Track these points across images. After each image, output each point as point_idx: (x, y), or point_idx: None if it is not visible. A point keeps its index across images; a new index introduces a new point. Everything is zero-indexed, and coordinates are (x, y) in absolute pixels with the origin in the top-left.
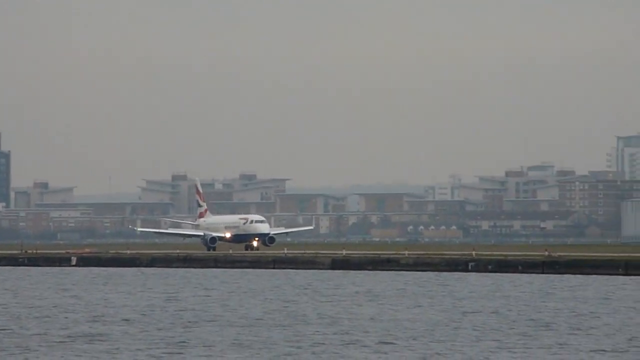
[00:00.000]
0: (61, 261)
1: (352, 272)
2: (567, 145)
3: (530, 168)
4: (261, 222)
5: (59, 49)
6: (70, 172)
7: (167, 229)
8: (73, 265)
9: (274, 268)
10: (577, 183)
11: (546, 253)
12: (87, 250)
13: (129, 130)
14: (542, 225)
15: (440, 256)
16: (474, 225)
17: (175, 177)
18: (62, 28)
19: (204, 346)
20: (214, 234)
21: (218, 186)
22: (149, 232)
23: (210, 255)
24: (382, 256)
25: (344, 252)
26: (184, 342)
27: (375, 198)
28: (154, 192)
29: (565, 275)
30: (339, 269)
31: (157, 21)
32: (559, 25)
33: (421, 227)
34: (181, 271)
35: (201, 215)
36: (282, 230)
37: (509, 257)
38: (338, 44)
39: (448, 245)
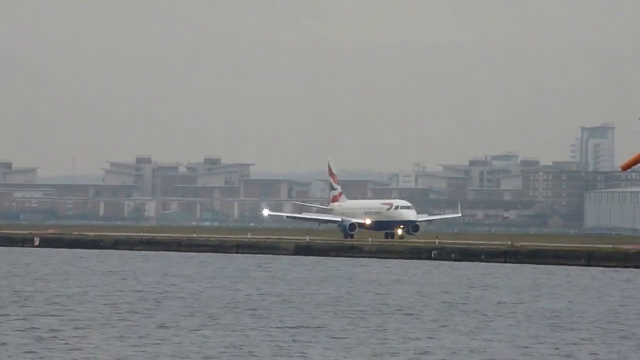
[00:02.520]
0: (24, 242)
1: (314, 258)
2: (532, 136)
3: (494, 158)
4: (407, 208)
5: (23, 28)
6: (34, 153)
7: (300, 213)
8: (36, 246)
9: (237, 253)
10: (540, 173)
11: (509, 242)
12: (50, 231)
13: (94, 112)
14: (505, 214)
15: (403, 244)
16: (437, 213)
17: (139, 160)
18: (29, 7)
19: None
20: (353, 220)
21: (182, 170)
22: (279, 216)
23: (173, 239)
24: (345, 243)
25: (308, 238)
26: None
27: (339, 185)
28: (117, 174)
29: (526, 265)
30: (303, 255)
31: (118, 2)
32: (523, 15)
33: None
34: (140, 254)
35: (334, 199)
36: (427, 217)
37: (472, 246)
38: (307, 29)
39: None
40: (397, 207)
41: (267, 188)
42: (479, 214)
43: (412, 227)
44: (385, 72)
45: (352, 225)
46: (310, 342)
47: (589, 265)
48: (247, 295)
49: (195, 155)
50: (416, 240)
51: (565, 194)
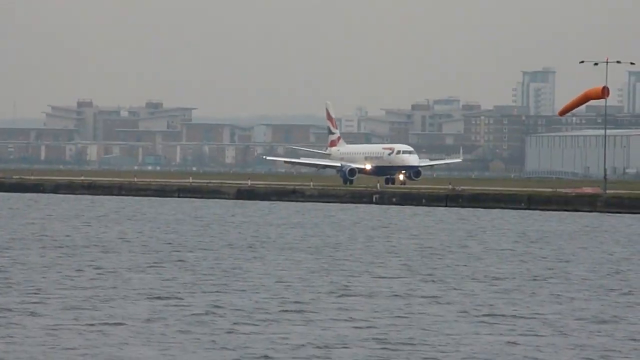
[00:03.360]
0: None
1: (253, 202)
2: (474, 80)
3: (436, 102)
4: (409, 152)
5: None
6: None
7: (298, 158)
8: None
9: (178, 197)
10: (482, 117)
11: (450, 187)
12: None
13: (34, 56)
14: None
15: (345, 188)
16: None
17: (80, 104)
18: None
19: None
20: (353, 165)
21: (124, 114)
22: (278, 160)
23: (114, 183)
24: (287, 187)
25: (250, 182)
26: None
27: (282, 129)
28: (59, 118)
29: (467, 209)
30: (245, 199)
31: None
32: None
33: None
34: (81, 198)
35: (333, 144)
36: (428, 162)
37: (413, 191)
38: None
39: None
40: (398, 152)
41: (209, 132)
42: (422, 157)
43: (413, 172)
44: (328, 14)
45: (352, 171)
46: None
47: (529, 208)
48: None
49: (138, 99)
50: (357, 185)
51: (506, 138)
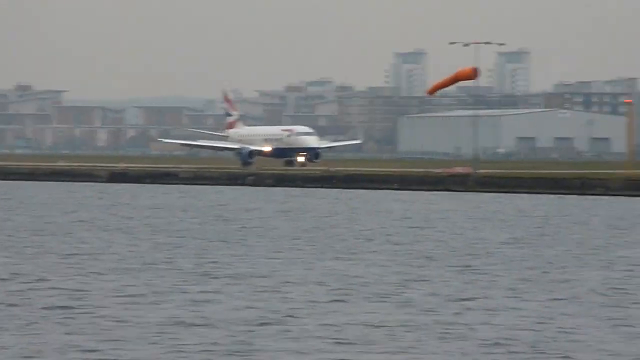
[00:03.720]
0: None
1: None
2: (346, 61)
3: (309, 83)
4: (308, 134)
5: None
6: None
7: (195, 140)
8: None
9: (49, 180)
10: (355, 99)
11: (324, 167)
12: None
13: None
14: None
15: (220, 170)
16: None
17: None
18: None
19: None
20: (252, 148)
21: None
22: (174, 143)
23: None
24: (160, 169)
25: (122, 165)
26: None
27: (154, 111)
28: None
29: (344, 190)
30: (118, 182)
31: None
32: None
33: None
34: None
35: (231, 126)
36: (327, 144)
37: (289, 172)
38: None
39: (228, 160)
40: (298, 134)
41: (81, 115)
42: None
43: (313, 154)
44: None
45: (251, 153)
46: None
47: (401, 189)
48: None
49: (6, 82)
50: (231, 166)
51: (380, 118)
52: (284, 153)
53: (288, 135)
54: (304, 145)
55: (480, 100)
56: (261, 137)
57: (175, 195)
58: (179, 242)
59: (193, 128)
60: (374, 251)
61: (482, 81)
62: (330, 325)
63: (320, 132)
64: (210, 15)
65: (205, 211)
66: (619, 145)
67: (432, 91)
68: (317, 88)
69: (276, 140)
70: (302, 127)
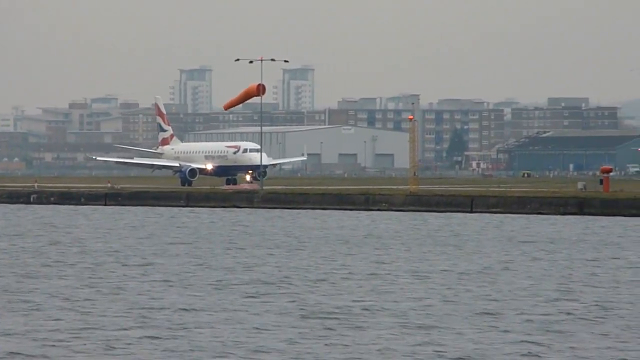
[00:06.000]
0: None
1: None
2: (131, 78)
3: (94, 100)
4: (257, 150)
5: None
6: None
7: (131, 158)
8: None
9: None
10: (140, 116)
11: (109, 185)
12: None
13: None
14: (107, 157)
15: (2, 188)
16: (37, 157)
17: None
18: None
19: None
20: (194, 165)
21: None
22: (109, 161)
23: None
24: None
25: None
26: None
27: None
28: None
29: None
30: None
31: None
32: None
33: None
34: None
35: (165, 142)
36: (272, 161)
37: (72, 189)
38: None
39: (11, 177)
40: (245, 150)
41: None
42: (80, 156)
43: (260, 172)
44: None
45: (193, 171)
46: None
47: (188, 206)
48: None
49: None
50: (14, 185)
51: None
52: (230, 171)
53: (234, 152)
54: (252, 163)
55: (265, 116)
56: (202, 154)
57: None
58: None
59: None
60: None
61: (268, 98)
62: None
63: (106, 149)
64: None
65: None
66: (403, 161)
67: (228, 107)
68: (101, 105)
69: (220, 157)
70: (249, 143)
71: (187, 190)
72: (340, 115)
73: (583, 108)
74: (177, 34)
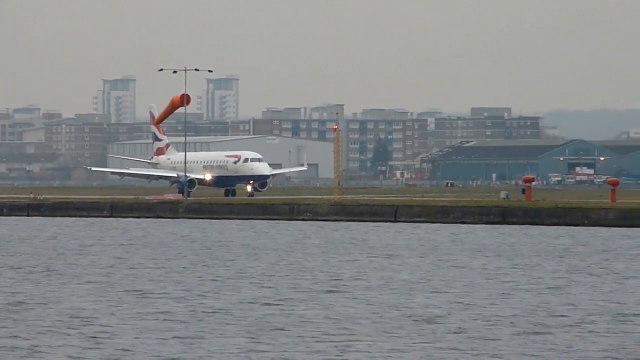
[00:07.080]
0: None
1: None
2: (54, 88)
3: (16, 111)
4: (259, 160)
5: None
6: None
7: (128, 168)
8: None
9: None
10: (63, 126)
11: (32, 196)
12: None
13: None
14: (29, 168)
15: None
16: None
17: None
18: None
19: None
20: (193, 176)
21: None
22: (105, 172)
23: None
24: None
25: None
26: None
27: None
28: None
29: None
30: None
31: None
32: None
33: None
34: None
35: (160, 152)
36: (274, 171)
37: (2, 201)
38: None
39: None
40: (247, 160)
41: None
42: (2, 167)
43: (261, 183)
44: None
45: (192, 182)
46: None
47: (113, 216)
48: None
49: None
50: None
51: (89, 146)
52: (231, 182)
53: (235, 162)
54: (254, 173)
55: (190, 127)
56: (200, 164)
57: None
58: None
59: None
60: None
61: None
62: None
63: (29, 160)
64: None
65: None
66: (328, 171)
67: (158, 122)
68: (24, 115)
69: (220, 167)
70: (251, 152)
71: (110, 201)
72: (265, 125)
73: (506, 118)
74: (101, 44)
